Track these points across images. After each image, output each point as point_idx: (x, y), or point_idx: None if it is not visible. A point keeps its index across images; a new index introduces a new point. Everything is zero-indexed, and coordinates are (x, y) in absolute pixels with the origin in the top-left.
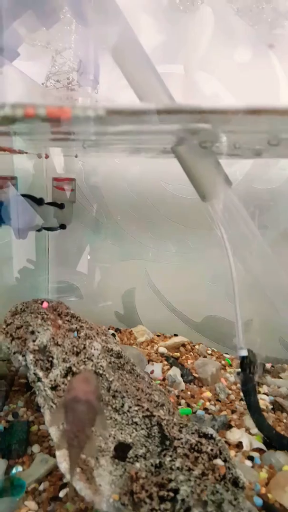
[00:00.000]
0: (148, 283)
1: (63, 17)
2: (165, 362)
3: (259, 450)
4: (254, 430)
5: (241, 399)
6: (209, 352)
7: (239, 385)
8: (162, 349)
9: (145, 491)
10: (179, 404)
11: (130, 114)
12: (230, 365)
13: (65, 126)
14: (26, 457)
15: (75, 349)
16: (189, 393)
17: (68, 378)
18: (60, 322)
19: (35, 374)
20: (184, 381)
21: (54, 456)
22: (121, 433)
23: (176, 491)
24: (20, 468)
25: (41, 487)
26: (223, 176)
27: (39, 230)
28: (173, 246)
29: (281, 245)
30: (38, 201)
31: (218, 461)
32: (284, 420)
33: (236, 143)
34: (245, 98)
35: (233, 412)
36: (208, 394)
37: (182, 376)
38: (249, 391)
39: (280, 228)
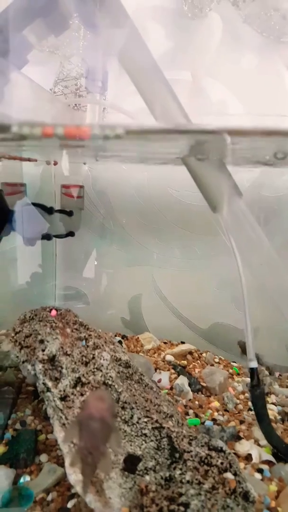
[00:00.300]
0: (154, 289)
1: (71, 23)
2: (173, 371)
3: (268, 462)
4: (263, 441)
5: (249, 409)
6: (217, 360)
7: (247, 395)
8: (169, 357)
9: (155, 505)
10: (187, 414)
11: (147, 133)
12: (238, 374)
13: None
14: (34, 466)
15: (84, 359)
16: (197, 402)
17: (78, 388)
18: (68, 330)
19: (44, 384)
20: (191, 390)
21: (62, 466)
22: (131, 445)
23: (186, 505)
24: (28, 478)
25: (49, 497)
26: (234, 187)
27: (49, 239)
28: (180, 252)
29: None
30: (49, 210)
31: (228, 475)
32: None
33: (243, 156)
34: (252, 105)
35: (241, 422)
36: (216, 404)
37: (189, 385)
38: (258, 403)
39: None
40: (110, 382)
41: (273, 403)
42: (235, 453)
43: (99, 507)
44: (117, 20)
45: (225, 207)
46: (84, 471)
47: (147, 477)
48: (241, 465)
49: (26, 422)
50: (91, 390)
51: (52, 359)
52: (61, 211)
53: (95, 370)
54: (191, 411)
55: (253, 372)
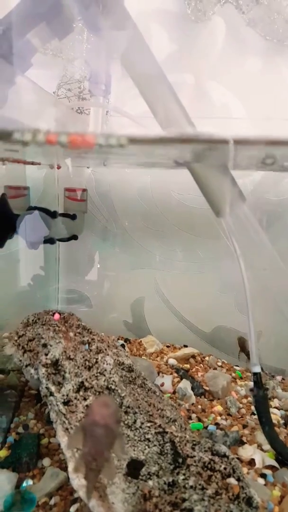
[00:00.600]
0: (157, 293)
1: (75, 26)
2: (175, 374)
3: (271, 467)
4: (266, 446)
5: (252, 413)
6: (219, 364)
7: (250, 399)
8: (172, 361)
9: (158, 510)
10: (190, 418)
11: (152, 142)
12: (241, 378)
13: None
14: (36, 470)
15: (87, 363)
16: (200, 406)
17: (81, 393)
18: (71, 334)
19: (47, 388)
20: (194, 394)
21: (64, 470)
22: (134, 450)
23: (190, 510)
24: (30, 482)
25: (52, 502)
26: (238, 192)
27: (52, 243)
28: (183, 255)
29: None
30: (52, 214)
31: (232, 480)
32: None
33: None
34: (255, 109)
35: (244, 427)
36: (219, 408)
37: (192, 389)
38: (261, 407)
39: None
40: (113, 387)
41: (276, 407)
42: (238, 458)
43: None
44: (120, 23)
45: (228, 212)
46: (88, 477)
47: (150, 482)
48: (244, 470)
49: (29, 426)
50: (94, 395)
51: (55, 363)
52: (64, 215)
53: (98, 374)
54: (194, 415)
55: (256, 377)
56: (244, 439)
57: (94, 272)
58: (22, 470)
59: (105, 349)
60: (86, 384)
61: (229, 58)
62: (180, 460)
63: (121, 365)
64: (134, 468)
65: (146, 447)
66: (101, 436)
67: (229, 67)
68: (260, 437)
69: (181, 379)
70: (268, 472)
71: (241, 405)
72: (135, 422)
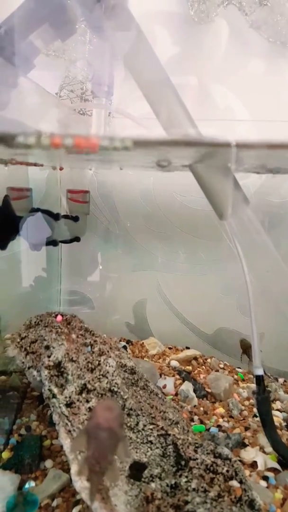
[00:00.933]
0: (159, 294)
1: (77, 27)
2: (177, 376)
3: (273, 470)
4: (269, 448)
5: (254, 416)
6: (221, 366)
7: (252, 401)
8: (174, 363)
9: None
10: (192, 421)
11: (156, 145)
12: (243, 380)
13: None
14: (39, 472)
15: (89, 365)
16: (202, 409)
17: (83, 395)
18: (74, 336)
19: (50, 390)
20: (196, 397)
21: (67, 472)
22: (136, 452)
23: None
24: (32, 483)
25: (54, 503)
26: (241, 195)
27: (55, 245)
28: (185, 257)
29: None
30: (55, 216)
31: (234, 483)
32: None
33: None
34: (258, 111)
35: (246, 429)
36: (221, 410)
37: (194, 391)
38: (264, 410)
39: None
40: (115, 389)
41: (278, 410)
42: (240, 461)
43: None
44: (123, 24)
45: (231, 215)
46: (91, 479)
47: (153, 485)
48: (246, 472)
49: (31, 428)
50: (97, 397)
51: (57, 365)
52: (66, 217)
53: (101, 376)
54: (196, 417)
55: (259, 379)
56: (246, 441)
57: (96, 274)
58: (24, 472)
59: (108, 351)
60: (89, 386)
61: (232, 60)
62: (183, 462)
63: (124, 367)
64: (136, 470)
65: (149, 449)
66: (104, 439)
67: (232, 69)
68: (262, 439)
69: (183, 381)
70: (270, 474)
71: (243, 407)
72: (137, 424)
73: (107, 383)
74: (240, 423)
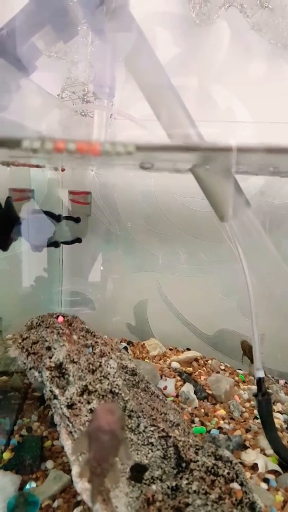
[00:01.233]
0: (160, 295)
1: (79, 29)
2: (178, 378)
3: (274, 472)
4: (269, 451)
5: (255, 418)
6: (222, 367)
7: (253, 403)
8: (175, 364)
9: None
10: (193, 422)
11: (159, 150)
12: (244, 382)
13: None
14: (39, 473)
15: (91, 366)
16: (202, 410)
17: (84, 396)
18: (75, 337)
19: (51, 391)
20: (197, 398)
21: (68, 472)
22: (137, 454)
23: None
24: (33, 484)
25: (55, 504)
26: (242, 197)
27: (57, 246)
28: (186, 258)
29: None
30: (57, 218)
31: (235, 485)
32: None
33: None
34: (259, 113)
35: (247, 431)
36: (222, 412)
37: (195, 392)
38: (264, 412)
39: None
40: (116, 391)
41: (279, 412)
42: (241, 463)
43: None
44: (125, 26)
45: (232, 216)
46: (92, 481)
47: (154, 487)
48: (247, 474)
49: (32, 428)
50: (98, 398)
51: (59, 366)
52: (68, 218)
53: (102, 378)
54: (196, 419)
55: (259, 381)
56: (247, 443)
57: (97, 275)
58: (25, 473)
59: (109, 353)
60: (90, 387)
61: (233, 62)
62: (184, 464)
63: (125, 368)
64: (137, 472)
65: (150, 451)
66: (106, 441)
67: (233, 70)
68: (263, 441)
69: (184, 382)
70: (271, 477)
71: (244, 409)
72: (138, 426)
73: (108, 384)
74: (241, 425)
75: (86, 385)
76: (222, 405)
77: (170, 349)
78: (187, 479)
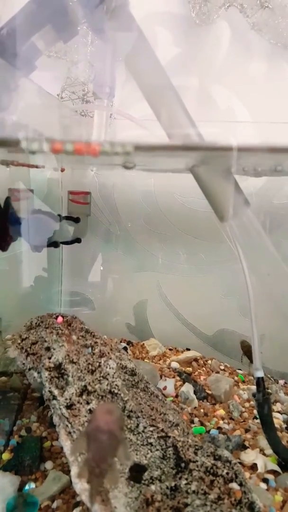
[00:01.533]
0: (160, 295)
1: (79, 28)
2: (178, 378)
3: (273, 472)
4: (269, 451)
5: (255, 418)
6: (222, 367)
7: (252, 403)
8: (175, 364)
9: None
10: (192, 422)
11: (157, 149)
12: (243, 382)
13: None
14: (39, 473)
15: (90, 367)
16: (202, 410)
17: (84, 397)
18: (74, 337)
19: (50, 392)
20: (197, 398)
21: (67, 473)
22: (136, 454)
23: None
24: (33, 485)
25: (54, 505)
26: (242, 197)
27: (56, 246)
28: (186, 258)
29: None
30: (75, 220)
31: (234, 485)
32: None
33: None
34: (259, 112)
35: (246, 431)
36: (221, 412)
37: (195, 392)
38: (264, 412)
39: None
40: (116, 391)
41: (278, 412)
42: (240, 463)
43: None
44: (124, 26)
45: (232, 217)
46: (91, 482)
47: (153, 487)
48: (246, 474)
49: (31, 429)
50: (97, 399)
51: (58, 367)
52: (68, 218)
53: (101, 378)
54: (196, 419)
55: (259, 381)
56: (246, 443)
57: (97, 275)
58: (24, 473)
59: (108, 353)
60: (89, 388)
61: (233, 62)
62: (183, 464)
63: (124, 368)
64: (136, 472)
65: (149, 451)
66: (105, 442)
67: (234, 70)
68: (263, 441)
69: (184, 382)
70: (270, 477)
71: (243, 409)
72: (137, 426)
73: (107, 385)
74: (241, 425)
75: (85, 386)
76: (222, 405)
77: (170, 349)
78: (186, 479)
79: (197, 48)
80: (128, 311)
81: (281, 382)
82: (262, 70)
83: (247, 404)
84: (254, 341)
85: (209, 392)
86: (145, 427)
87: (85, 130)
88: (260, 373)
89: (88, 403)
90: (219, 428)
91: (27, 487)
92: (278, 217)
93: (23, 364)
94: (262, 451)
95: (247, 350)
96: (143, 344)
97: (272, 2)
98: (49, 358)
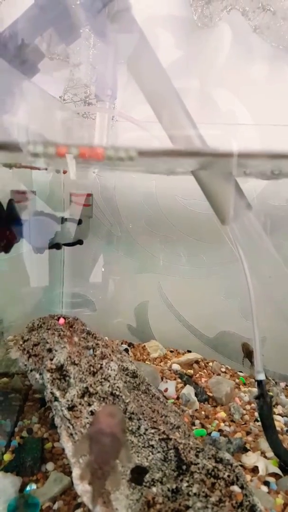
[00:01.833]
0: (161, 297)
1: (82, 31)
2: (179, 380)
3: (275, 475)
4: (270, 453)
5: (256, 420)
6: (223, 369)
7: (253, 405)
8: (176, 366)
9: None
10: (193, 425)
11: (161, 155)
12: (245, 384)
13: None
14: (40, 474)
15: (91, 368)
16: (203, 413)
17: (85, 398)
18: (76, 339)
19: (52, 393)
20: (198, 400)
21: (68, 474)
22: (138, 456)
23: None
24: (34, 486)
25: (55, 506)
26: (244, 200)
27: (58, 248)
28: (187, 260)
29: None
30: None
31: (235, 488)
32: None
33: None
34: (261, 115)
35: (247, 433)
36: (222, 414)
37: (196, 395)
38: (265, 415)
39: None
40: (117, 393)
41: (279, 414)
42: (241, 465)
43: None
44: (126, 28)
45: (234, 219)
46: (93, 484)
47: (154, 489)
48: (248, 477)
49: (33, 430)
50: (99, 401)
51: (60, 368)
52: (69, 220)
53: (103, 380)
54: (197, 422)
55: (260, 384)
56: (247, 446)
57: (98, 276)
58: (26, 474)
59: (110, 354)
60: (91, 389)
61: (235, 64)
62: (184, 467)
63: (125, 370)
64: (138, 475)
65: (150, 453)
66: (107, 444)
67: (235, 73)
68: (264, 444)
69: (185, 384)
70: (271, 479)
71: (244, 412)
72: (139, 428)
73: (109, 386)
74: (242, 427)
75: (87, 387)
76: (223, 407)
77: (171, 351)
78: (188, 481)
79: (199, 51)
80: (129, 312)
81: (282, 384)
82: (264, 73)
83: (248, 407)
84: (255, 343)
85: (210, 394)
86: (146, 429)
87: (87, 132)
88: (261, 376)
89: (89, 404)
90: (220, 431)
91: (28, 488)
92: (278, 219)
93: (25, 365)
94: (263, 453)
95: (248, 352)
96: (144, 345)
97: (274, 5)
98: (51, 359)
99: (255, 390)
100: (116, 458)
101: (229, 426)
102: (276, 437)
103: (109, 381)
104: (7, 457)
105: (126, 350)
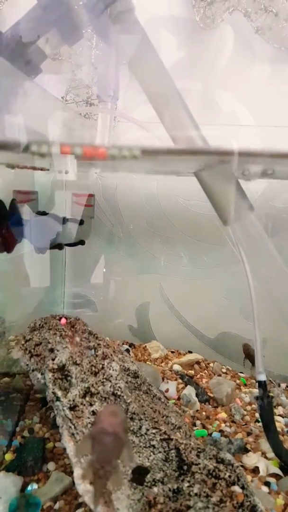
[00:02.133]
0: (162, 298)
1: (84, 32)
2: (180, 381)
3: (275, 475)
4: (271, 454)
5: (257, 421)
6: (224, 370)
7: (254, 406)
8: (177, 367)
9: None
10: (194, 425)
11: (164, 154)
12: (245, 385)
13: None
14: (41, 474)
15: (93, 368)
16: (204, 413)
17: (87, 398)
18: (77, 339)
19: (53, 393)
20: (199, 401)
21: (69, 474)
22: (139, 456)
23: None
24: (35, 486)
25: (57, 506)
26: (246, 201)
27: (60, 248)
28: (188, 261)
29: None
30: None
31: (236, 488)
32: None
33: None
34: (263, 116)
35: (248, 434)
36: (223, 415)
37: (197, 395)
38: (266, 415)
39: None
40: (119, 393)
41: (280, 415)
42: (242, 466)
43: None
44: (129, 29)
45: (235, 220)
46: (95, 484)
47: (155, 489)
48: (248, 478)
49: (34, 430)
50: (100, 401)
51: (61, 368)
52: (71, 220)
53: (104, 380)
54: (198, 422)
55: (261, 385)
56: (248, 446)
57: (100, 277)
58: (27, 474)
59: (111, 355)
60: (92, 389)
61: (237, 65)
62: (185, 467)
63: (127, 371)
64: (139, 475)
65: (151, 453)
66: (109, 444)
67: (237, 74)
68: (265, 444)
69: (186, 385)
70: (272, 480)
71: (245, 412)
72: (140, 428)
73: (110, 386)
74: (242, 428)
75: (88, 387)
76: (224, 408)
77: (172, 352)
78: (189, 481)
79: (201, 52)
80: (130, 313)
81: (283, 385)
82: (266, 74)
83: (249, 407)
84: (256, 344)
85: (211, 395)
86: (147, 429)
87: (89, 132)
88: (262, 377)
89: (91, 404)
90: (221, 431)
91: (29, 487)
92: (280, 221)
93: (27, 365)
94: (264, 454)
95: (249, 353)
96: (145, 346)
97: (276, 6)
98: (53, 359)
99: (256, 391)
100: (118, 457)
101: (230, 426)
102: (276, 437)
103: (110, 381)
104: (9, 456)
105: (127, 351)
